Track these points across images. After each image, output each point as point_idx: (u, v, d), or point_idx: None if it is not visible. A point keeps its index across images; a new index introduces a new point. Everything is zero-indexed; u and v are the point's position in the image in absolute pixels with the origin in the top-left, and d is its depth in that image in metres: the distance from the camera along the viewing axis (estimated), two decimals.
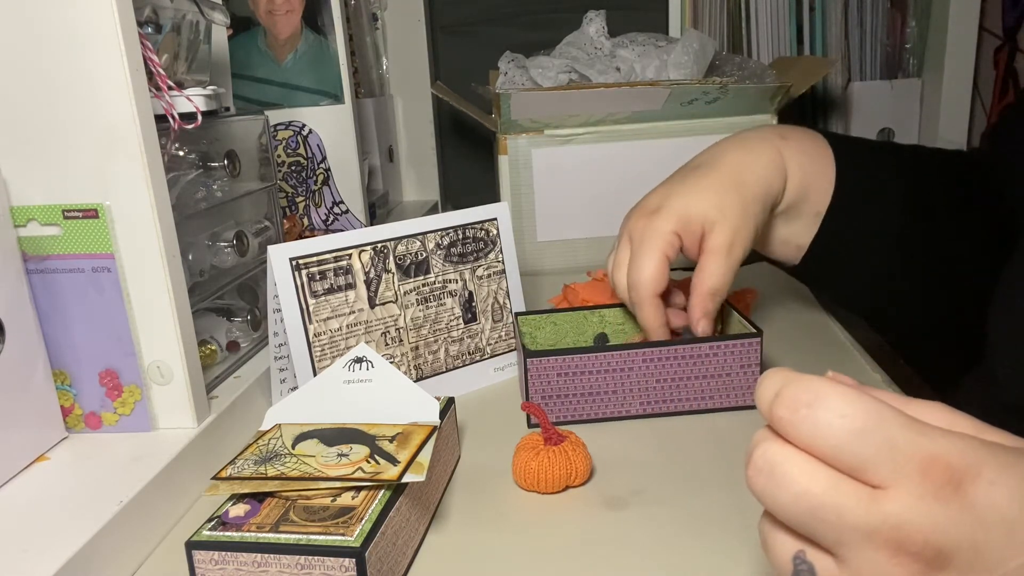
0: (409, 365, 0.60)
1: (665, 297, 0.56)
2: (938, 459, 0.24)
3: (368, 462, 0.41)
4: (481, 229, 0.64)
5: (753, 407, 0.56)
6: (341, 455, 0.42)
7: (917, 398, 0.28)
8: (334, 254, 0.57)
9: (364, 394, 0.47)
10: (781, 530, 0.27)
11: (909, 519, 0.24)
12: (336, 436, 0.44)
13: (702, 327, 0.55)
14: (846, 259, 0.59)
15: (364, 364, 0.47)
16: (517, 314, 0.63)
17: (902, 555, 0.24)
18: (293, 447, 0.43)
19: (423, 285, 0.61)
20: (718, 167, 0.56)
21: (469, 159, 1.35)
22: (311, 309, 0.55)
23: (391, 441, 0.43)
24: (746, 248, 0.55)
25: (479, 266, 0.64)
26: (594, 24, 1.03)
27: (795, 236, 0.59)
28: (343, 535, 0.36)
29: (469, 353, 0.63)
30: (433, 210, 1.23)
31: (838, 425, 0.25)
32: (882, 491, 0.24)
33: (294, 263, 0.55)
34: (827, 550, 0.26)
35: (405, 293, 0.60)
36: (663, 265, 0.54)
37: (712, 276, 0.54)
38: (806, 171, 0.57)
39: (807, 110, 1.25)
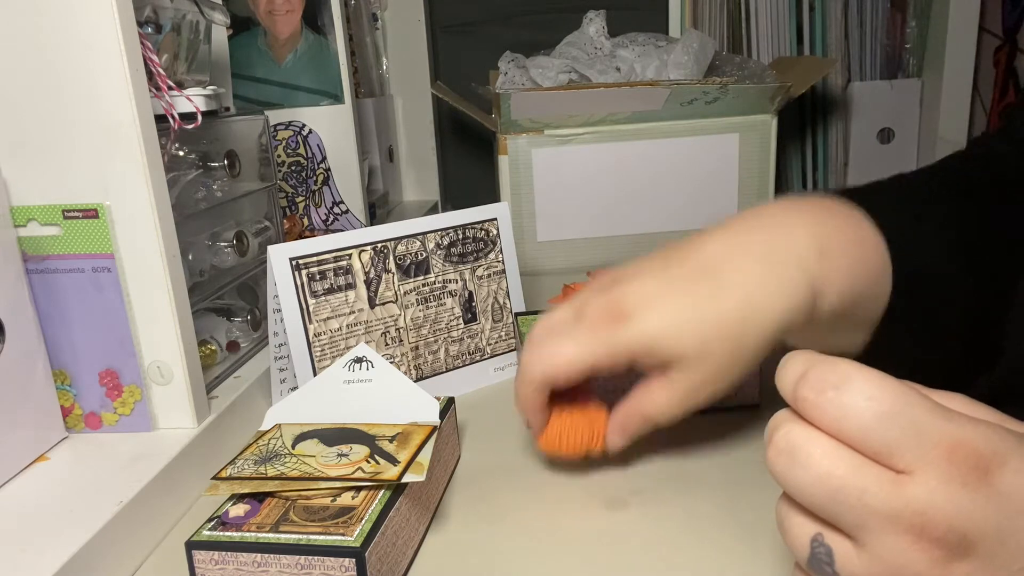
0: (409, 365, 0.60)
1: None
2: (964, 445, 0.24)
3: (368, 462, 0.41)
4: (481, 229, 0.64)
5: (752, 407, 0.56)
6: (341, 455, 0.42)
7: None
8: (334, 254, 0.57)
9: (364, 394, 0.47)
10: (799, 513, 0.27)
11: (933, 503, 0.24)
12: (336, 436, 0.44)
13: (611, 443, 0.45)
14: (909, 352, 0.46)
15: (364, 364, 0.47)
16: (517, 314, 0.63)
17: (924, 540, 0.24)
18: (293, 447, 0.43)
19: (423, 285, 0.61)
20: (724, 283, 0.40)
21: (469, 159, 1.35)
22: (311, 309, 0.55)
23: (391, 441, 0.43)
24: (721, 390, 0.42)
25: (479, 266, 0.64)
26: (594, 24, 1.03)
27: (842, 342, 0.45)
28: (343, 535, 0.36)
29: (469, 353, 0.63)
30: (433, 210, 1.23)
31: (864, 407, 0.24)
32: (906, 475, 0.24)
33: (294, 263, 0.55)
34: (847, 534, 0.26)
35: (405, 293, 0.60)
36: (585, 369, 0.42)
37: (658, 405, 0.42)
38: (852, 291, 0.41)
39: (807, 110, 1.25)
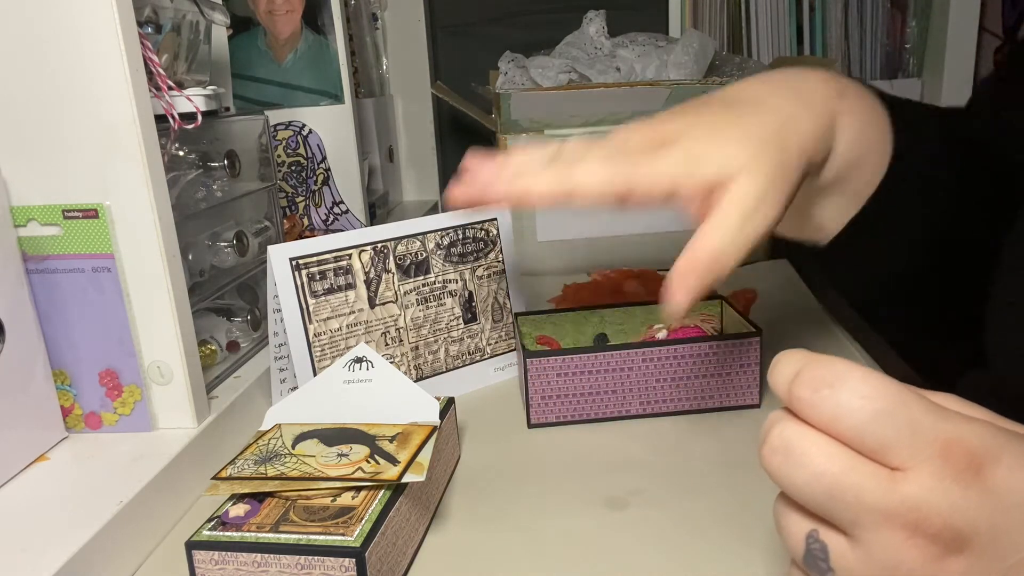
0: (409, 365, 0.60)
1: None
2: (959, 442, 0.24)
3: (368, 462, 0.41)
4: (481, 229, 0.64)
5: (752, 407, 0.56)
6: (341, 455, 0.42)
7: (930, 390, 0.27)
8: (334, 254, 0.57)
9: (364, 394, 0.47)
10: (795, 510, 0.27)
11: (928, 500, 0.24)
12: (336, 436, 0.44)
13: (676, 301, 0.38)
14: (875, 250, 0.49)
15: (364, 364, 0.47)
16: (517, 314, 0.63)
17: (919, 537, 0.24)
18: (293, 447, 0.43)
19: (423, 285, 0.61)
20: (761, 111, 0.41)
21: None
22: (311, 309, 0.55)
23: (391, 441, 0.43)
24: (773, 218, 0.39)
25: (479, 266, 0.64)
26: (594, 24, 1.03)
27: (826, 217, 0.48)
28: (343, 535, 0.36)
29: (469, 353, 0.63)
30: (433, 210, 1.23)
31: (859, 406, 0.24)
32: (901, 473, 0.24)
33: (294, 263, 0.55)
34: (842, 530, 0.26)
35: (405, 293, 0.60)
36: (621, 191, 0.39)
37: (717, 232, 0.38)
38: (859, 144, 0.44)
39: None
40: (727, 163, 0.38)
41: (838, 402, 0.25)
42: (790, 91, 0.43)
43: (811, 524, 0.27)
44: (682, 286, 0.38)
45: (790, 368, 0.27)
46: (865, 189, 0.46)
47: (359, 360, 0.47)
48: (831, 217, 0.47)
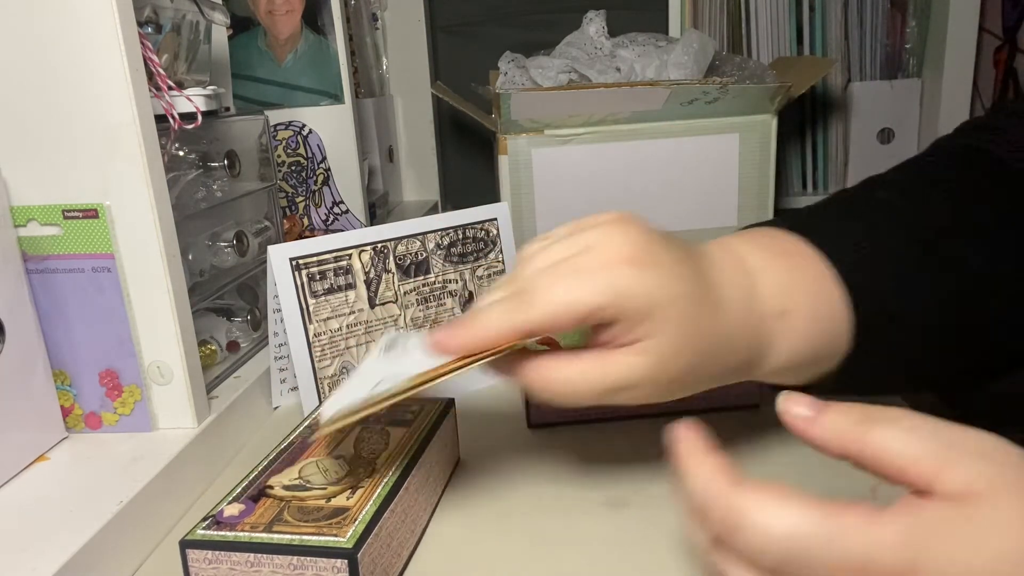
0: None
1: None
2: (871, 567, 0.26)
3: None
4: (481, 229, 0.64)
5: (752, 407, 0.56)
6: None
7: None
8: (334, 254, 0.57)
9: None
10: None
11: None
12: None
13: (536, 387, 0.37)
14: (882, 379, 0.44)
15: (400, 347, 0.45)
16: None
17: None
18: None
19: (423, 285, 0.61)
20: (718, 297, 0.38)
21: (469, 159, 1.35)
22: (311, 309, 0.56)
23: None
24: (678, 383, 0.39)
25: (479, 266, 0.64)
26: (594, 24, 1.03)
27: (797, 378, 0.43)
28: (336, 536, 0.36)
29: None
30: (433, 210, 1.23)
31: (769, 552, 0.27)
32: None
33: (294, 263, 0.55)
34: None
35: (405, 293, 0.60)
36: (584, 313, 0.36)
37: (626, 366, 0.37)
38: (804, 346, 0.40)
39: (807, 110, 1.25)
40: (649, 305, 0.36)
41: (747, 547, 0.27)
42: (742, 299, 0.39)
43: None
44: (546, 385, 0.37)
45: (696, 503, 0.29)
46: (836, 357, 0.42)
47: (391, 346, 0.45)
48: (808, 376, 0.43)
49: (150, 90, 0.47)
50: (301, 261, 0.55)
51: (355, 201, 0.94)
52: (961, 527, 0.25)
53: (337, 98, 0.91)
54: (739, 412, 0.56)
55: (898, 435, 0.27)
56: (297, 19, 0.89)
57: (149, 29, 0.53)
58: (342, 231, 0.59)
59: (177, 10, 0.56)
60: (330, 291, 0.56)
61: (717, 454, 0.30)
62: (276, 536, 0.36)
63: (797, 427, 0.29)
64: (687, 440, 0.31)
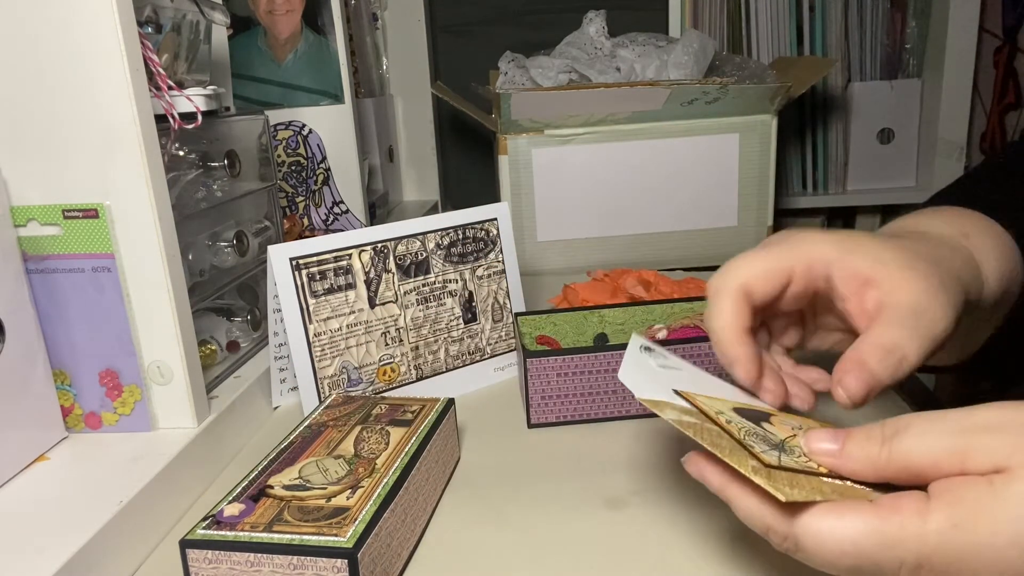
0: (409, 365, 0.60)
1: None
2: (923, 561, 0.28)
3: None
4: (481, 229, 0.64)
5: None
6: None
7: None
8: (334, 254, 0.57)
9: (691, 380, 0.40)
10: None
11: None
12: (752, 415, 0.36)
13: (849, 384, 0.36)
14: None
15: (654, 352, 0.42)
16: (517, 314, 0.63)
17: None
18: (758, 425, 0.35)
19: (423, 285, 0.61)
20: (905, 241, 0.40)
21: (469, 159, 1.35)
22: (311, 309, 0.56)
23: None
24: (944, 327, 0.36)
25: (479, 266, 0.64)
26: (594, 24, 1.03)
27: (983, 328, 0.45)
28: (336, 536, 0.36)
29: (469, 353, 0.63)
30: (433, 210, 1.23)
31: (837, 566, 0.29)
32: None
33: (294, 263, 0.55)
34: None
35: (405, 293, 0.60)
36: (775, 276, 0.38)
37: (887, 325, 0.36)
38: (1006, 268, 0.43)
39: (807, 110, 1.25)
40: (871, 265, 0.37)
41: (814, 561, 0.30)
42: (921, 237, 0.41)
43: None
44: (847, 376, 0.36)
45: (759, 524, 0.31)
46: (997, 318, 0.45)
47: (648, 349, 0.42)
48: (977, 333, 0.45)
49: (150, 90, 0.47)
50: (301, 261, 0.55)
51: (355, 201, 0.94)
52: (998, 501, 0.27)
53: (337, 98, 0.91)
54: None
55: (918, 438, 0.29)
56: (297, 19, 0.89)
57: (149, 29, 0.53)
58: (342, 231, 0.59)
59: (177, 10, 0.56)
60: (330, 291, 0.56)
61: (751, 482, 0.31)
62: (276, 536, 0.36)
63: (827, 464, 0.32)
64: (715, 472, 0.33)
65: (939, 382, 0.62)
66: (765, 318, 0.42)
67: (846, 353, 0.36)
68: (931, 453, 0.29)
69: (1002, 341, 0.47)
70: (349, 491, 0.40)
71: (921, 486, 0.29)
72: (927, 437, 0.29)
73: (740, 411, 0.36)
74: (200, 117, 0.54)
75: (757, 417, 0.36)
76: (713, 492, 0.34)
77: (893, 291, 0.37)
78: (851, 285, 0.38)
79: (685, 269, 0.92)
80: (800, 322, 0.44)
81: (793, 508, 0.30)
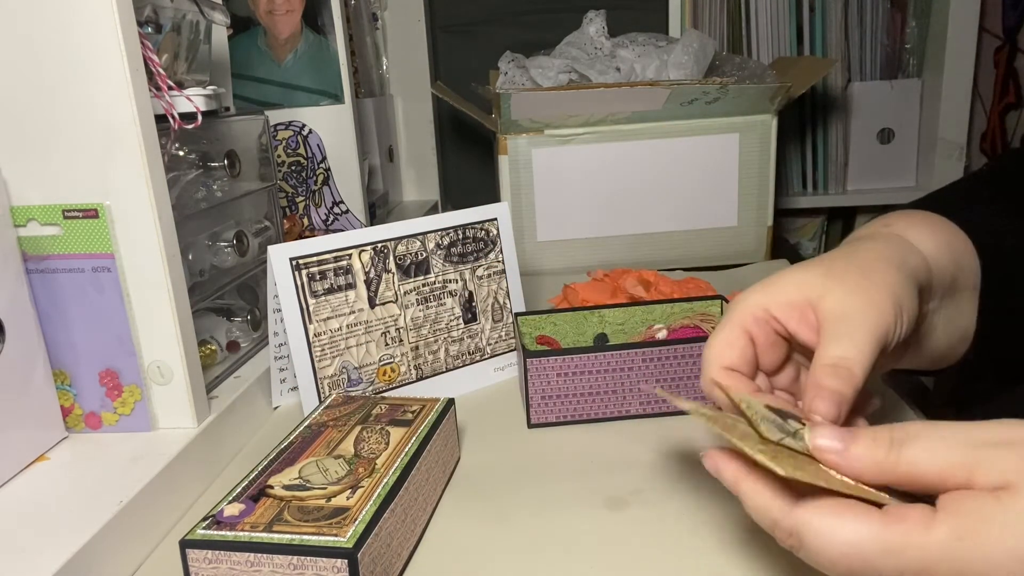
0: (409, 365, 0.60)
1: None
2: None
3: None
4: (481, 229, 0.64)
5: None
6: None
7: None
8: (334, 254, 0.57)
9: None
10: None
11: None
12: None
13: (820, 409, 0.36)
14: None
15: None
16: (517, 314, 0.63)
17: None
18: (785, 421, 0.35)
19: (423, 285, 0.61)
20: (824, 257, 0.42)
21: (469, 159, 1.35)
22: (311, 309, 0.56)
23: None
24: (887, 321, 0.38)
25: (479, 266, 0.64)
26: (594, 24, 1.03)
27: (957, 319, 0.46)
28: (336, 536, 0.36)
29: (469, 353, 0.63)
30: (433, 210, 1.23)
31: (835, 566, 0.29)
32: None
33: (294, 263, 0.55)
34: None
35: (405, 293, 0.60)
36: (738, 339, 0.40)
37: (826, 344, 0.37)
38: (945, 245, 0.44)
39: (807, 110, 1.25)
40: (804, 282, 0.40)
41: (816, 560, 0.30)
42: (848, 245, 0.44)
43: None
44: (814, 398, 0.36)
45: (764, 518, 0.32)
46: (975, 282, 0.46)
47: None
48: (957, 317, 0.46)
49: (150, 90, 0.47)
50: (301, 261, 0.55)
51: (355, 201, 0.94)
52: (1004, 517, 0.27)
53: (337, 98, 0.91)
54: None
55: (926, 449, 0.29)
56: (297, 19, 0.89)
57: (149, 29, 0.53)
58: (342, 231, 0.59)
59: (177, 10, 0.56)
60: (330, 291, 0.56)
61: (766, 476, 0.32)
62: (276, 536, 0.36)
63: (830, 462, 0.31)
64: (730, 467, 0.33)
65: (938, 382, 0.62)
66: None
67: (807, 381, 0.38)
68: (938, 465, 0.29)
69: (1000, 340, 0.48)
70: (349, 491, 0.40)
71: (923, 495, 0.29)
72: (936, 449, 0.29)
73: (769, 407, 0.37)
74: (200, 117, 0.54)
75: (784, 415, 0.36)
76: (727, 487, 0.34)
77: (820, 305, 0.39)
78: (792, 320, 0.39)
79: (685, 269, 0.92)
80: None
81: (799, 503, 0.30)
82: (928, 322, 0.45)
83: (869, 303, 0.38)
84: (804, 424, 0.35)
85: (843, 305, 0.38)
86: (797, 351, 0.42)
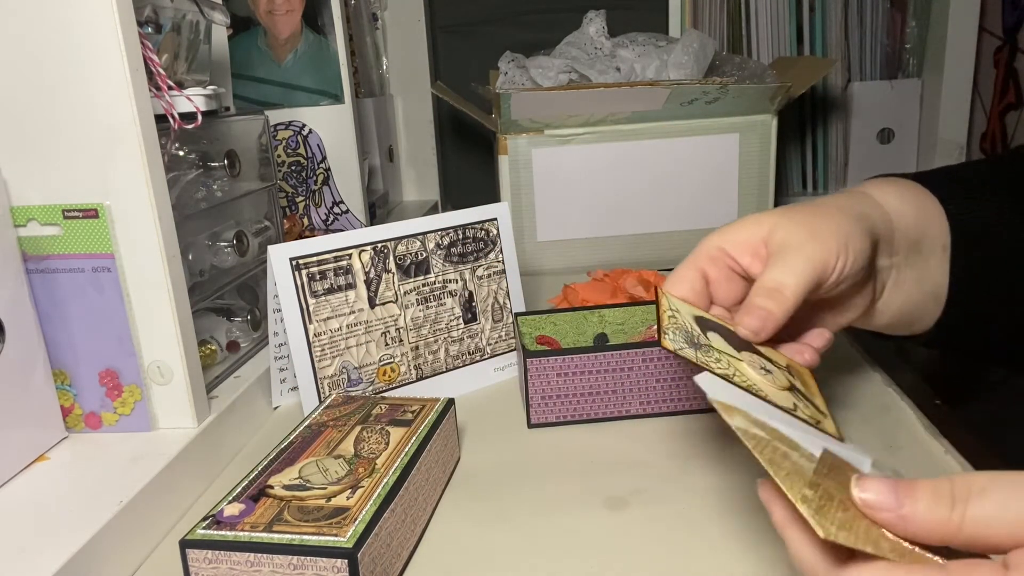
0: (409, 365, 0.60)
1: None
2: None
3: (792, 392, 0.37)
4: (481, 229, 0.64)
5: None
6: (764, 370, 0.38)
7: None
8: (334, 254, 0.57)
9: None
10: None
11: None
12: (735, 339, 0.40)
13: (745, 322, 0.41)
14: (998, 283, 0.48)
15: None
16: (517, 314, 0.63)
17: None
18: (704, 334, 0.40)
19: (423, 285, 0.61)
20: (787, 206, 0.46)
21: (469, 159, 1.35)
22: (311, 309, 0.55)
23: (788, 372, 0.40)
24: (827, 254, 0.41)
25: (479, 266, 0.64)
26: (594, 24, 1.03)
27: (927, 279, 0.48)
28: (336, 536, 0.36)
29: (469, 353, 0.63)
30: (433, 210, 1.23)
31: None
32: None
33: (294, 263, 0.55)
34: None
35: (405, 293, 0.60)
36: (689, 275, 0.44)
37: (768, 269, 0.41)
38: (912, 204, 0.47)
39: (807, 110, 1.25)
40: (758, 223, 0.44)
41: None
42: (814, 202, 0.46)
43: None
44: (744, 315, 0.41)
45: (809, 569, 0.29)
46: (945, 243, 0.48)
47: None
48: (929, 277, 0.48)
49: (150, 90, 0.47)
50: (301, 261, 0.55)
51: (355, 201, 0.94)
52: None
53: (337, 98, 0.91)
54: None
55: (998, 503, 0.26)
56: (297, 19, 0.89)
57: (149, 29, 0.53)
58: (342, 231, 0.59)
59: (177, 10, 0.56)
60: (330, 291, 0.56)
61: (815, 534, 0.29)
62: (276, 536, 0.36)
63: (884, 523, 0.28)
64: (778, 509, 0.32)
65: (941, 368, 0.62)
66: None
67: (745, 300, 0.42)
68: (1011, 524, 0.26)
69: (970, 301, 0.49)
70: (349, 491, 0.40)
71: (985, 555, 0.27)
72: (1008, 502, 0.26)
73: (698, 319, 0.41)
74: (200, 117, 0.54)
75: (709, 326, 0.40)
76: (773, 525, 0.32)
77: (771, 240, 0.43)
78: (745, 256, 0.44)
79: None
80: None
81: (848, 567, 0.27)
82: (894, 277, 0.47)
83: (812, 235, 0.42)
84: (737, 347, 0.39)
85: (788, 237, 0.42)
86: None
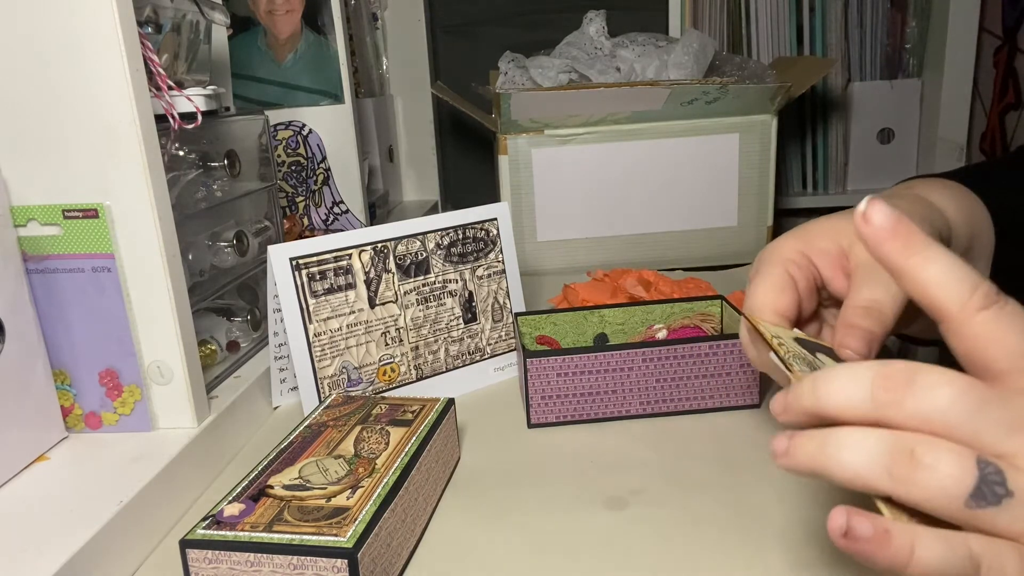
0: (409, 365, 0.60)
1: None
2: None
3: None
4: (481, 229, 0.64)
5: (752, 407, 0.56)
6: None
7: None
8: (334, 254, 0.57)
9: None
10: (947, 447, 0.26)
11: None
12: (836, 358, 0.37)
13: (850, 344, 0.37)
14: None
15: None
16: (517, 314, 0.63)
17: None
18: (815, 356, 0.36)
19: (423, 285, 0.61)
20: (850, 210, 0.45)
21: (469, 159, 1.35)
22: (311, 309, 0.56)
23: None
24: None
25: (479, 266, 0.64)
26: (594, 24, 1.03)
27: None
28: (336, 536, 0.36)
29: (469, 353, 0.63)
30: (433, 210, 1.23)
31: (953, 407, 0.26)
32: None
33: (294, 263, 0.55)
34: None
35: (405, 293, 0.60)
36: (786, 284, 0.39)
37: (859, 287, 0.38)
38: (965, 210, 0.46)
39: (807, 110, 1.25)
40: (837, 230, 0.41)
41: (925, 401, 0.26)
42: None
43: (972, 452, 0.26)
44: (845, 335, 0.37)
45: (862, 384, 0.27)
46: (991, 247, 0.47)
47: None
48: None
49: (150, 90, 0.47)
50: (301, 261, 0.55)
51: (355, 201, 0.94)
52: None
53: (337, 98, 0.91)
54: (739, 412, 0.56)
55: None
56: (297, 19, 0.89)
57: (149, 29, 0.53)
58: (342, 231, 0.59)
59: (177, 10, 0.56)
60: (330, 291, 0.56)
61: None
62: (276, 536, 0.36)
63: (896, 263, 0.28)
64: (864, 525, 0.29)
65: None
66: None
67: (837, 321, 0.38)
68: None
69: None
70: (349, 491, 0.40)
71: None
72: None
73: (800, 341, 0.37)
74: (200, 117, 0.54)
75: (813, 347, 0.37)
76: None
77: (853, 251, 0.39)
78: (827, 266, 0.40)
79: (685, 269, 0.92)
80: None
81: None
82: None
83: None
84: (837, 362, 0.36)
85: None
86: (824, 304, 0.42)
